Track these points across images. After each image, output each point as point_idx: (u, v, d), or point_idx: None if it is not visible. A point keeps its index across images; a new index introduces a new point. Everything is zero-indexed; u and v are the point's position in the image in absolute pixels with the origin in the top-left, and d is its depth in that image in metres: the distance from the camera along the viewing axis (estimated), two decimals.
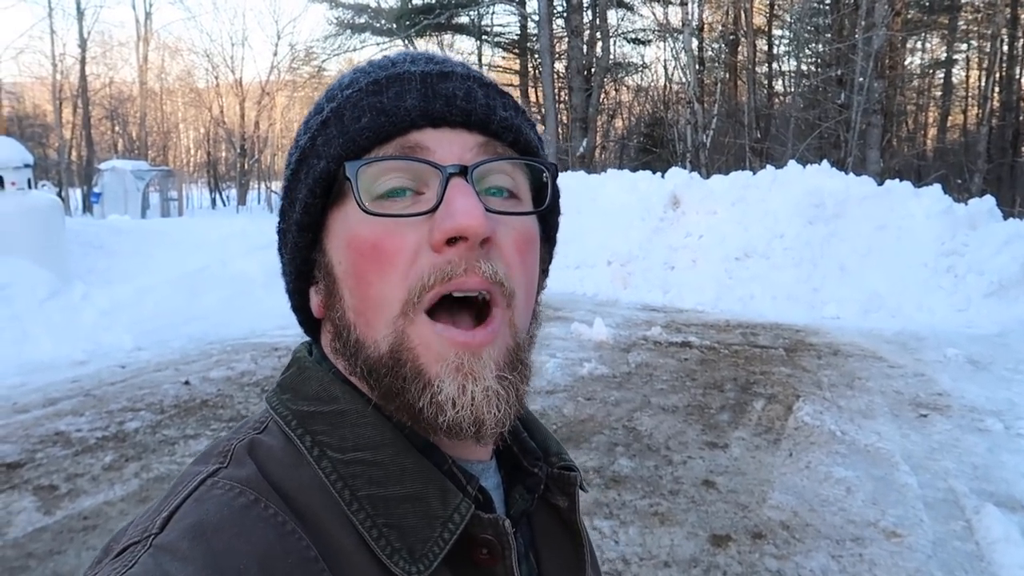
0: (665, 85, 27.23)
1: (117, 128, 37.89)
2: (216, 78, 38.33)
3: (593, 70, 22.34)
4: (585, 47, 22.67)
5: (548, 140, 19.83)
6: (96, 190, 23.63)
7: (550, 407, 5.76)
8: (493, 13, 28.78)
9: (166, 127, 41.20)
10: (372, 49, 27.53)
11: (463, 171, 0.60)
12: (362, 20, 27.85)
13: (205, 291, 9.25)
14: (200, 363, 6.98)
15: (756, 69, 23.90)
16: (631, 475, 4.48)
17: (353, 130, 0.62)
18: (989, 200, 10.99)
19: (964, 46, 28.63)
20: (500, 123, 0.65)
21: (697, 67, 21.45)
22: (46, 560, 3.40)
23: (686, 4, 20.40)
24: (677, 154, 21.24)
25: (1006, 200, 17.20)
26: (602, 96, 24.74)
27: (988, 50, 23.98)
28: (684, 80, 20.81)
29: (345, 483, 0.58)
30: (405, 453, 0.60)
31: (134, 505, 3.95)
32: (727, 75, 25.64)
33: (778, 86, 27.58)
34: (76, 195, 32.28)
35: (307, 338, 0.72)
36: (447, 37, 29.72)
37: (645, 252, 11.59)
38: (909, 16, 22.99)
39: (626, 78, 29.32)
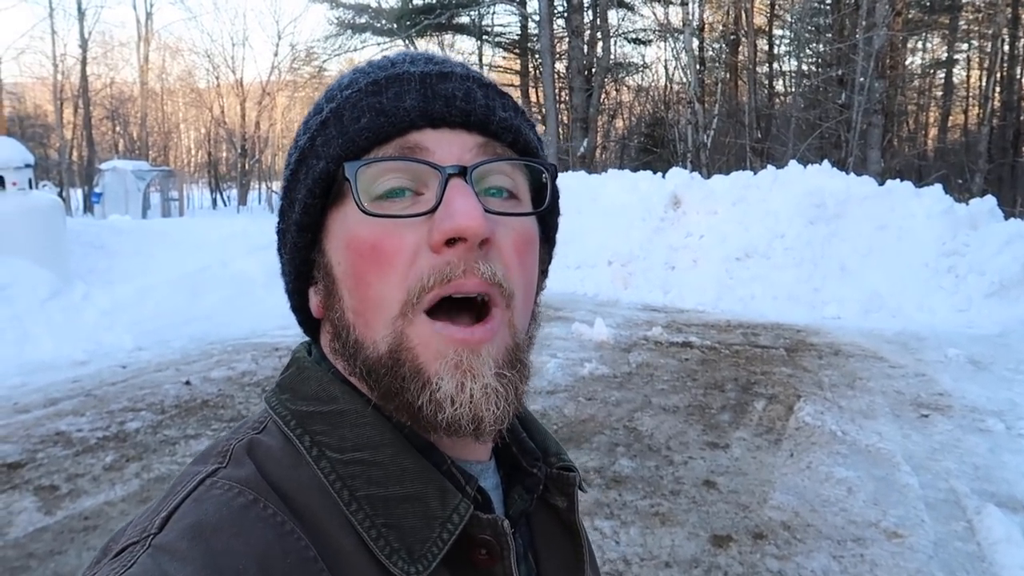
0: (666, 85, 27.24)
1: (118, 128, 37.92)
2: (217, 78, 38.40)
3: (594, 70, 22.35)
4: (586, 47, 22.67)
5: (549, 140, 19.83)
6: (97, 190, 23.64)
7: (551, 407, 5.76)
8: (494, 13, 28.82)
9: (167, 127, 41.22)
10: (373, 49, 27.58)
11: (462, 172, 0.60)
12: (363, 20, 27.88)
13: (206, 291, 9.25)
14: (201, 363, 6.98)
15: (757, 69, 23.90)
16: (632, 475, 4.48)
17: (352, 131, 0.62)
18: (990, 200, 10.99)
19: (965, 46, 28.64)
20: (499, 123, 0.64)
21: (698, 67, 21.44)
22: (47, 560, 3.40)
23: (687, 4, 20.42)
24: (678, 154, 21.25)
25: (1007, 200, 17.20)
26: (603, 96, 24.75)
27: (989, 50, 23.98)
28: (685, 80, 20.81)
29: (344, 483, 0.58)
30: (404, 453, 0.60)
31: (135, 505, 3.95)
32: (728, 75, 25.65)
33: (779, 86, 27.61)
34: (77, 195, 32.31)
35: (307, 338, 0.72)
36: (448, 37, 29.76)
37: (646, 252, 11.59)
38: (910, 16, 22.98)
39: (627, 78, 29.36)
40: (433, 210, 0.59)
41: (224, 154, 42.00)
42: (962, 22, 26.54)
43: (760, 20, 25.73)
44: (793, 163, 12.38)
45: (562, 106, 24.50)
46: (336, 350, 0.65)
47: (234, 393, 6.03)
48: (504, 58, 32.24)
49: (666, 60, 31.60)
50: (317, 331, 0.69)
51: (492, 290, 0.59)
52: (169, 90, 40.39)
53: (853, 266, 10.29)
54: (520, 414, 0.73)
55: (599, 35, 22.93)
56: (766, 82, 26.31)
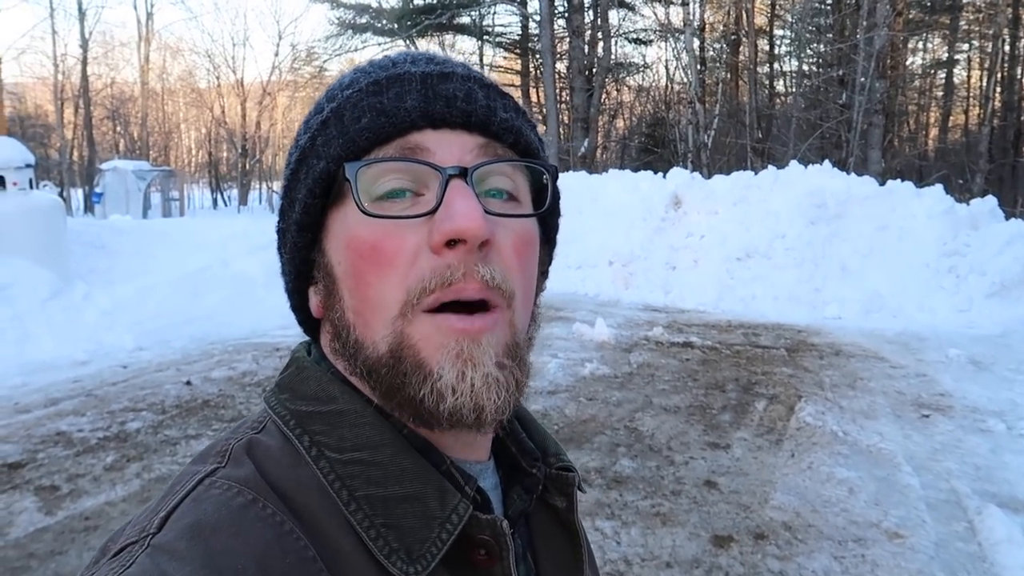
0: (666, 85, 27.23)
1: (119, 128, 37.95)
2: (217, 78, 38.44)
3: (594, 70, 22.35)
4: (586, 47, 22.67)
5: (549, 140, 19.83)
6: (97, 190, 23.65)
7: (552, 407, 5.76)
8: (494, 13, 28.84)
9: (167, 127, 41.25)
10: (373, 49, 27.58)
11: (463, 173, 0.60)
12: (363, 20, 27.88)
13: (207, 291, 9.26)
14: (202, 363, 6.99)
15: (757, 69, 23.89)
16: (633, 475, 4.48)
17: (353, 131, 0.62)
18: (991, 200, 10.99)
19: (965, 46, 28.65)
20: (500, 124, 0.64)
21: (698, 67, 21.44)
22: (47, 560, 3.40)
23: (687, 4, 20.41)
24: (678, 154, 21.24)
25: (1008, 200, 17.19)
26: (603, 96, 24.74)
27: (989, 50, 23.98)
28: (685, 80, 20.80)
29: (343, 483, 0.58)
30: (403, 453, 0.60)
31: (135, 505, 3.95)
32: (728, 75, 25.65)
33: (779, 86, 27.60)
34: (78, 195, 32.32)
35: (306, 338, 0.72)
36: (448, 37, 29.75)
37: (647, 252, 11.59)
38: (910, 16, 22.98)
39: (627, 78, 29.35)
40: (433, 211, 0.59)
41: (225, 154, 42.03)
42: (963, 22, 26.55)
43: (761, 20, 25.73)
44: (794, 163, 12.38)
45: (563, 106, 24.50)
46: (336, 350, 0.65)
47: (235, 393, 6.03)
48: (505, 58, 32.25)
49: (667, 60, 31.65)
50: (317, 331, 0.69)
51: (492, 294, 0.59)
52: (170, 90, 40.44)
53: (854, 266, 10.28)
54: (520, 414, 0.74)
55: (600, 35, 22.93)
56: (767, 82, 26.31)
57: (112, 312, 8.07)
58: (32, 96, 37.44)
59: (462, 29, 29.37)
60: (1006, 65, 24.80)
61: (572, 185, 12.76)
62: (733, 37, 24.68)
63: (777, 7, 26.33)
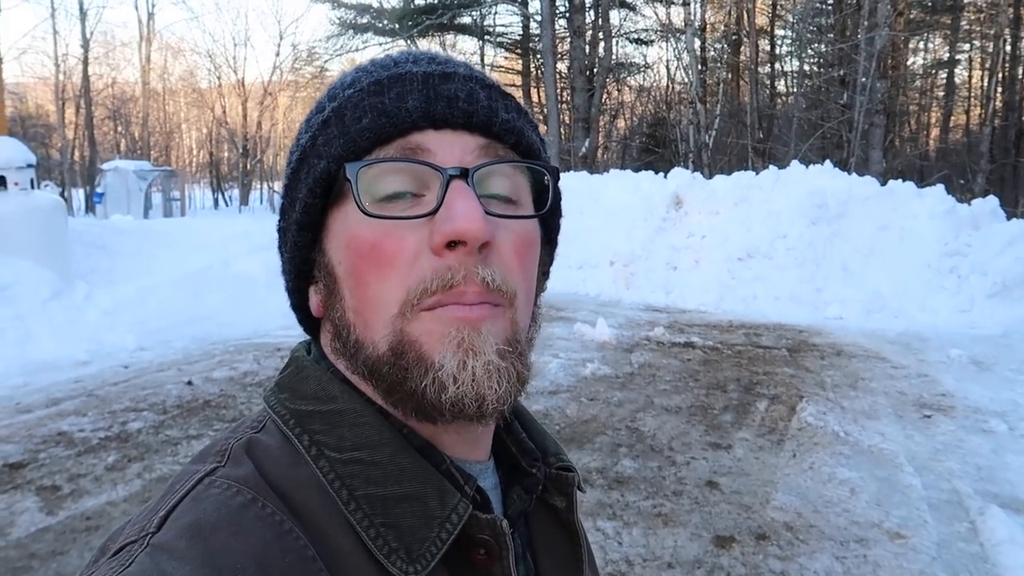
0: (668, 85, 27.23)
1: (120, 128, 37.99)
2: (219, 78, 38.48)
3: (595, 70, 22.35)
4: (588, 47, 22.65)
5: (550, 140, 19.82)
6: (99, 190, 23.67)
7: (553, 407, 5.76)
8: (495, 13, 28.83)
9: (168, 127, 41.28)
10: (374, 49, 27.60)
11: (464, 173, 0.60)
12: (364, 20, 27.88)
13: (208, 291, 9.26)
14: (203, 363, 6.99)
15: (759, 69, 23.89)
16: (634, 476, 4.47)
17: (354, 131, 0.62)
18: (992, 200, 10.98)
19: (967, 46, 28.64)
20: (502, 125, 0.64)
21: (700, 67, 21.44)
22: (48, 561, 3.40)
23: (688, 4, 20.39)
24: (680, 154, 21.23)
25: (1009, 200, 17.19)
26: (604, 96, 24.73)
27: (991, 50, 23.97)
28: (687, 80, 20.79)
29: (343, 482, 0.58)
30: (403, 453, 0.60)
31: (137, 505, 3.94)
32: (729, 75, 25.65)
33: (780, 86, 27.59)
34: (79, 195, 32.35)
35: (307, 337, 0.72)
36: (449, 37, 29.76)
37: (648, 252, 11.59)
38: (911, 16, 22.97)
39: (628, 78, 29.34)
40: (434, 212, 0.59)
41: (226, 154, 42.08)
42: (964, 22, 26.54)
43: (762, 20, 25.73)
44: (795, 163, 12.37)
45: (564, 106, 24.50)
46: (337, 350, 0.65)
47: (236, 393, 6.03)
48: (506, 58, 32.27)
49: (668, 60, 31.67)
50: (317, 329, 0.69)
51: (492, 296, 0.59)
52: (171, 90, 40.49)
53: (855, 266, 10.28)
54: (520, 414, 0.74)
55: (601, 35, 22.93)
56: (768, 82, 26.29)
57: (113, 312, 8.08)
58: (33, 96, 37.50)
59: (463, 29, 29.38)
60: (1007, 65, 24.79)
61: (573, 185, 12.76)
62: (734, 37, 24.67)
63: (778, 7, 26.32)
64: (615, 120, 30.03)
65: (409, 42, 24.65)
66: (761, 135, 22.17)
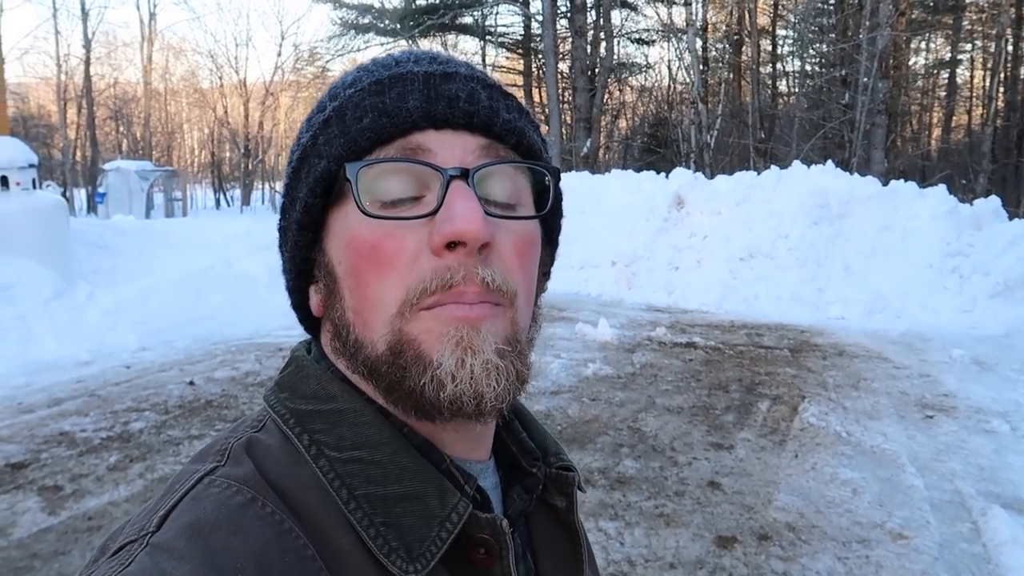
0: (669, 85, 27.22)
1: (121, 128, 38.01)
2: (220, 78, 38.48)
3: (597, 70, 22.34)
4: (589, 47, 22.65)
5: (552, 140, 19.82)
6: (100, 190, 23.71)
7: (555, 408, 5.76)
8: (497, 13, 28.83)
9: (170, 127, 41.33)
10: (376, 49, 27.59)
11: (464, 174, 0.60)
12: (366, 20, 27.90)
13: (209, 291, 9.26)
14: (204, 363, 6.99)
15: (760, 69, 23.88)
16: (636, 476, 4.47)
17: (354, 130, 0.62)
18: (994, 200, 10.96)
19: (968, 46, 28.61)
20: (503, 125, 0.64)
21: (701, 67, 21.43)
22: (51, 561, 3.41)
23: (690, 4, 20.38)
24: (681, 154, 21.22)
25: (1011, 200, 17.17)
26: (606, 96, 24.73)
27: (993, 50, 23.96)
28: (688, 80, 20.78)
29: (343, 482, 0.58)
30: (403, 452, 0.60)
31: (138, 505, 3.94)
32: (731, 75, 25.61)
33: (782, 86, 27.57)
34: (81, 195, 32.39)
35: (308, 337, 0.72)
36: (451, 37, 29.76)
37: (649, 252, 11.59)
38: (913, 16, 22.95)
39: (630, 78, 29.35)
40: (434, 212, 0.59)
41: (227, 154, 42.10)
42: (966, 22, 26.53)
43: (763, 20, 25.72)
44: (797, 163, 12.36)
45: (565, 106, 24.51)
46: (337, 349, 0.65)
47: (238, 393, 6.04)
48: (507, 58, 32.29)
49: (669, 60, 31.67)
50: (317, 329, 0.69)
51: (492, 296, 0.59)
52: (172, 90, 40.50)
53: (857, 266, 10.27)
54: (520, 413, 0.74)
55: (602, 35, 22.93)
56: (769, 82, 26.28)
57: (115, 312, 8.08)
58: (35, 96, 37.55)
59: (465, 29, 29.38)
60: (1009, 65, 24.76)
61: (575, 185, 12.76)
62: (736, 37, 24.66)
63: (780, 7, 26.31)
64: (617, 120, 30.04)
65: (411, 42, 24.65)
66: (763, 135, 22.16)
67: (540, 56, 26.09)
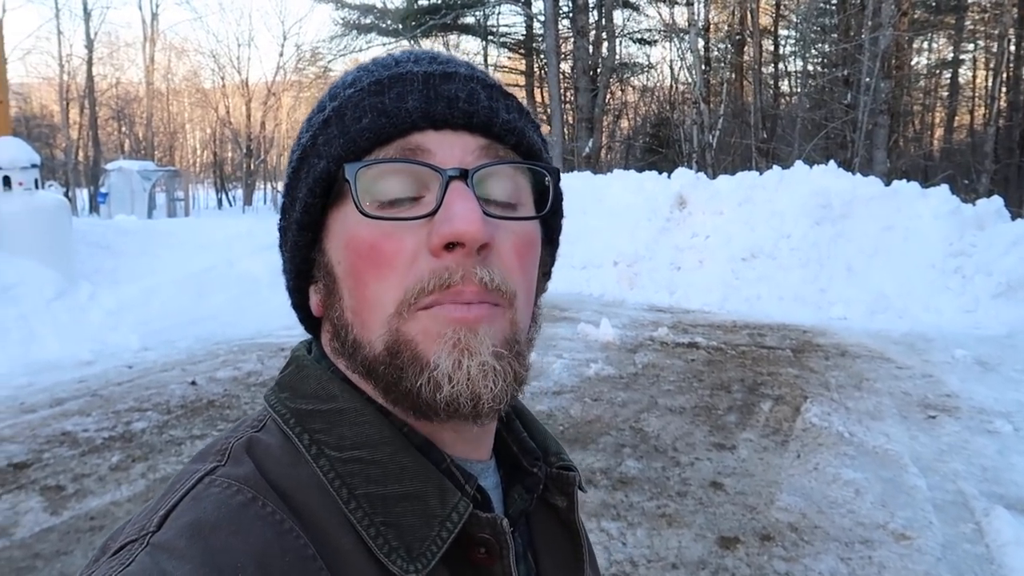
0: (671, 85, 27.21)
1: (124, 128, 38.07)
2: (222, 79, 38.48)
3: (599, 70, 22.35)
4: (591, 47, 22.66)
5: (554, 140, 19.83)
6: (103, 190, 23.73)
7: (557, 408, 5.75)
8: (499, 13, 28.85)
9: (172, 127, 41.38)
10: (378, 50, 27.56)
11: (463, 175, 0.60)
12: (368, 20, 27.93)
13: (211, 291, 9.27)
14: (206, 363, 7.00)
15: (762, 69, 23.88)
16: (638, 476, 4.47)
17: (354, 131, 0.62)
18: (997, 201, 10.94)
19: (971, 46, 28.58)
20: (503, 126, 0.64)
21: (703, 67, 21.41)
22: (53, 560, 3.41)
23: (692, 4, 20.36)
24: (683, 154, 21.22)
25: (1014, 200, 17.13)
26: (608, 96, 24.73)
27: (995, 50, 23.93)
28: (690, 80, 20.77)
29: (343, 481, 0.58)
30: (403, 452, 0.59)
31: (141, 505, 3.92)
32: (733, 75, 25.61)
33: (784, 86, 27.58)
34: (83, 195, 32.40)
35: (309, 336, 0.72)
36: (453, 37, 29.78)
37: (651, 252, 11.58)
38: (916, 16, 22.94)
39: (632, 78, 29.39)
40: (433, 213, 0.59)
41: (229, 154, 42.14)
42: (968, 22, 26.50)
43: (765, 20, 25.71)
44: (799, 163, 12.34)
45: (567, 106, 24.50)
46: (336, 349, 0.65)
47: (240, 393, 6.04)
48: (509, 58, 32.31)
49: (671, 60, 31.62)
50: (318, 329, 0.69)
51: (491, 296, 0.59)
52: (175, 90, 40.53)
53: (859, 267, 10.26)
54: (521, 413, 0.74)
55: (604, 35, 22.94)
56: (771, 82, 26.28)
57: (117, 312, 8.09)
58: (37, 96, 37.64)
59: (466, 29, 29.39)
60: (1011, 65, 24.73)
61: (576, 185, 12.75)
62: (738, 37, 24.66)
63: (782, 7, 26.30)
64: (619, 120, 30.05)
65: (412, 42, 24.66)
66: (765, 135, 22.13)
67: (542, 56, 26.11)
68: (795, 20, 25.03)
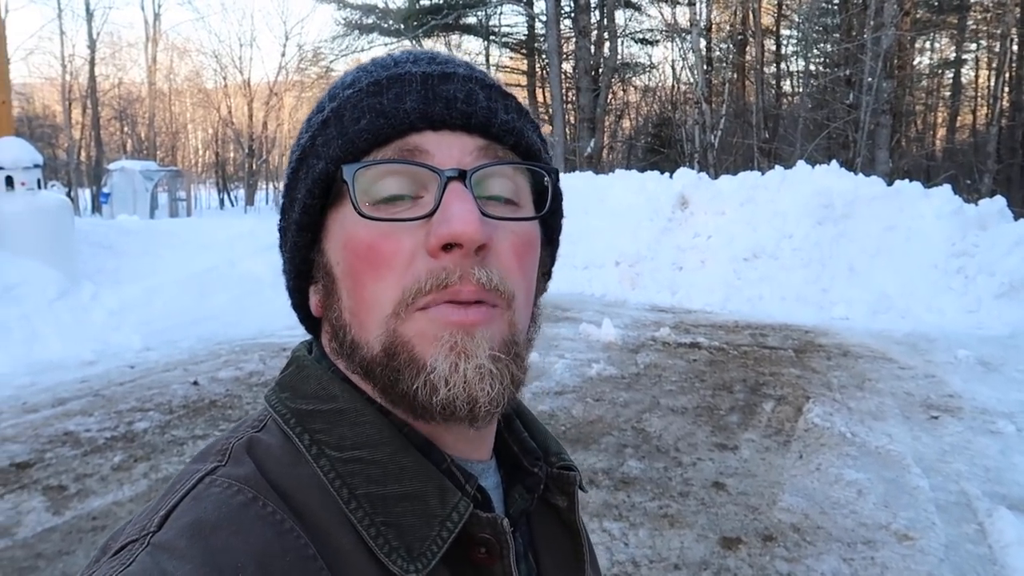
0: (673, 85, 27.23)
1: (126, 128, 38.12)
2: (224, 79, 38.51)
3: (601, 70, 22.35)
4: (593, 47, 22.66)
5: (555, 140, 19.83)
6: (105, 190, 23.77)
7: (559, 408, 5.75)
8: (501, 14, 28.86)
9: (175, 127, 41.41)
10: (380, 50, 27.55)
11: (461, 175, 0.60)
12: (370, 21, 27.94)
13: (214, 291, 9.28)
14: (209, 363, 7.00)
15: (764, 69, 23.84)
16: (640, 476, 4.47)
17: (352, 132, 0.62)
18: (999, 201, 10.92)
19: (973, 46, 28.51)
20: (501, 126, 0.64)
21: (705, 67, 21.41)
22: (55, 560, 3.41)
23: (694, 4, 20.36)
24: (685, 154, 21.22)
25: (1016, 200, 17.09)
26: (610, 96, 24.72)
27: (997, 50, 23.88)
28: (692, 80, 20.76)
29: (343, 481, 0.58)
30: (403, 452, 0.59)
31: (142, 505, 3.93)
32: (735, 75, 25.60)
33: (786, 86, 27.55)
34: (85, 195, 32.46)
35: (310, 336, 0.72)
36: (454, 37, 29.78)
37: (653, 253, 11.57)
38: (918, 16, 22.90)
39: (634, 78, 29.36)
40: (431, 214, 0.59)
41: (231, 154, 42.17)
42: (970, 22, 26.43)
43: (767, 20, 25.69)
44: (801, 163, 12.32)
45: (569, 106, 24.50)
46: (335, 350, 0.65)
47: (242, 393, 6.04)
48: (511, 58, 32.29)
49: (673, 60, 31.58)
50: (318, 329, 0.69)
51: (489, 296, 0.59)
52: (177, 90, 40.56)
53: (861, 267, 10.25)
54: (521, 413, 0.74)
55: (606, 35, 22.94)
56: (773, 82, 26.25)
57: (119, 312, 8.10)
58: (40, 96, 37.65)
59: (468, 29, 29.39)
60: (1014, 65, 24.66)
61: (578, 185, 12.75)
62: (740, 37, 24.65)
63: (784, 7, 26.29)
64: (620, 120, 30.04)
65: (414, 42, 24.68)
66: (767, 135, 22.12)
67: (544, 56, 26.11)
68: (797, 20, 25.02)
